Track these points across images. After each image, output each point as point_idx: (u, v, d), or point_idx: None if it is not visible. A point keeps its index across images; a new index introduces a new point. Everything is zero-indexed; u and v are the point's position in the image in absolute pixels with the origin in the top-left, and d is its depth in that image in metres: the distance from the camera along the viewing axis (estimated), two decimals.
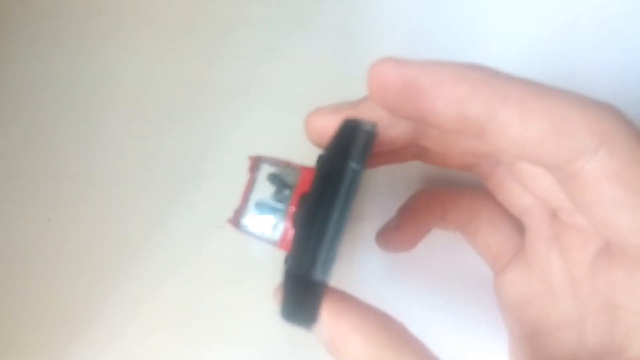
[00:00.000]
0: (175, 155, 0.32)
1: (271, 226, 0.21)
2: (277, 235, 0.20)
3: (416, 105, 0.17)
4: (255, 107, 0.32)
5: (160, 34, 0.33)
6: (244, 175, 0.32)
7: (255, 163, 0.21)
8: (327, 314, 0.18)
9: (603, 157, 0.16)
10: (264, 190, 0.21)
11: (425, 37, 0.31)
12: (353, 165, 0.16)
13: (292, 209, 0.20)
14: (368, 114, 0.20)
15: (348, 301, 0.18)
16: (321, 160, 0.19)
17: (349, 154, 0.17)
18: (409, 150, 0.23)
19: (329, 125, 0.20)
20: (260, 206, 0.21)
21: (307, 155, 0.31)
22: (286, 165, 0.21)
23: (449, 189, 0.27)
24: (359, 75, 0.32)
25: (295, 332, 0.31)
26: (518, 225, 0.25)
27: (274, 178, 0.21)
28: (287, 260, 0.19)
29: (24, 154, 0.33)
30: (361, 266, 0.31)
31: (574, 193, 0.18)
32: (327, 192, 0.16)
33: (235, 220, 0.21)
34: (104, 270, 0.32)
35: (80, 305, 0.31)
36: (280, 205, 0.21)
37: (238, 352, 0.31)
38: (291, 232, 0.20)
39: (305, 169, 0.21)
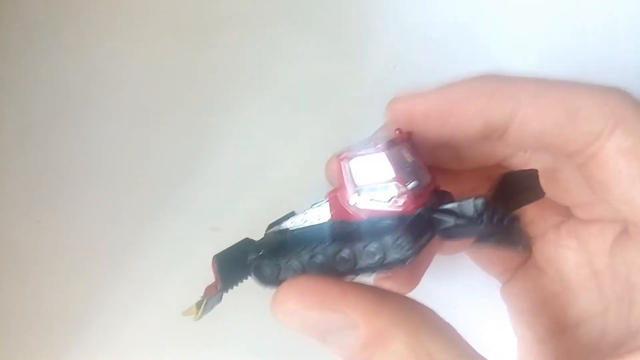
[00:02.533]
0: (169, 157, 0.32)
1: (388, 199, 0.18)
2: (400, 202, 0.18)
3: (443, 127, 0.19)
4: (254, 105, 0.32)
5: (157, 32, 0.33)
6: (241, 177, 0.32)
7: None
8: (360, 313, 0.16)
9: (619, 136, 0.18)
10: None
11: (426, 36, 0.31)
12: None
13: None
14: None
15: (378, 293, 0.17)
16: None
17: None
18: None
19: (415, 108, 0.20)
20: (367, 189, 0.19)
21: (308, 155, 0.31)
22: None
23: None
24: (358, 72, 0.32)
25: (293, 335, 0.31)
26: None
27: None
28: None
29: (13, 156, 0.32)
30: None
31: (592, 174, 0.19)
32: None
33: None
34: (94, 272, 0.31)
35: (70, 308, 0.31)
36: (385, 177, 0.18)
37: (233, 355, 0.30)
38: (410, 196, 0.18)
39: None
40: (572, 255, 0.22)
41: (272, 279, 0.19)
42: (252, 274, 0.20)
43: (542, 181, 0.19)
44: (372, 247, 0.17)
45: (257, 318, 0.30)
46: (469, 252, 0.26)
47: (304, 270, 0.18)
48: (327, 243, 0.18)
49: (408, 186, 0.17)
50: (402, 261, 0.16)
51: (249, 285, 0.31)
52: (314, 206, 0.19)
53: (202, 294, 0.20)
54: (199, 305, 0.20)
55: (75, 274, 0.31)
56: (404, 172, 0.18)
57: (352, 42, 0.31)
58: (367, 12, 0.32)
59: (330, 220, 0.19)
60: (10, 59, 0.33)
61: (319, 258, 0.18)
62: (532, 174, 0.19)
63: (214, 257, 0.20)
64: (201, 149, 0.32)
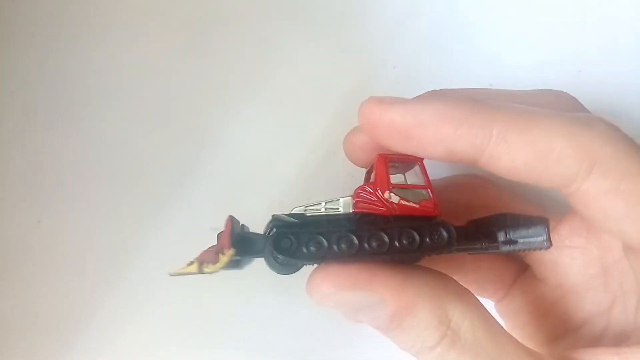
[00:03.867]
0: (169, 157, 0.32)
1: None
2: (429, 205, 0.20)
3: (405, 142, 0.19)
4: (254, 105, 0.32)
5: (157, 32, 0.33)
6: (240, 177, 0.32)
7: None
8: (388, 290, 0.18)
9: (597, 178, 0.17)
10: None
11: (425, 36, 0.31)
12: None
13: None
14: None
15: (403, 271, 0.18)
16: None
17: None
18: None
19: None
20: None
21: (308, 155, 0.31)
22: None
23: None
24: (358, 73, 0.32)
25: (293, 335, 0.31)
26: (506, 256, 0.25)
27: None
28: None
29: (13, 155, 0.32)
30: None
31: (578, 209, 0.18)
32: None
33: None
34: (95, 272, 0.31)
35: (71, 307, 0.31)
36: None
37: (234, 355, 0.30)
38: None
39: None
40: (579, 255, 0.22)
41: (290, 252, 0.19)
42: (269, 245, 0.20)
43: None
44: (409, 233, 0.19)
45: (257, 317, 0.31)
46: (459, 276, 0.26)
47: (328, 248, 0.19)
48: (356, 227, 0.19)
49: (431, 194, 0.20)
50: (442, 250, 0.19)
51: (249, 284, 0.31)
52: (328, 202, 0.21)
53: (196, 256, 0.20)
54: (194, 265, 0.20)
55: (76, 273, 0.31)
56: (430, 181, 0.20)
57: (351, 43, 0.31)
58: (366, 13, 0.32)
59: (353, 212, 0.20)
60: (11, 58, 0.33)
61: (349, 239, 0.19)
62: (542, 223, 0.20)
63: (229, 216, 0.20)
64: (201, 149, 0.32)
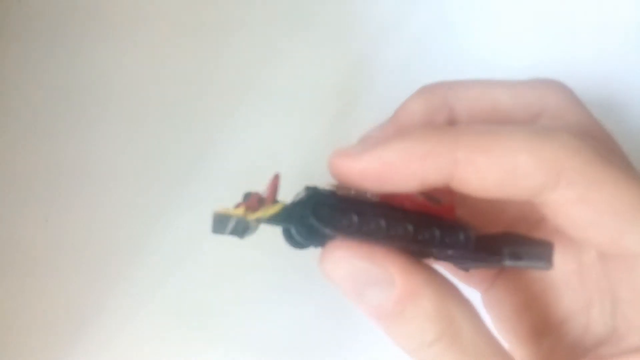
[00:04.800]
0: (172, 157, 0.32)
1: None
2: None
3: (382, 186, 0.19)
4: (255, 107, 0.32)
5: (159, 34, 0.33)
6: (241, 176, 0.32)
7: None
8: (398, 270, 0.18)
9: (564, 188, 0.17)
10: None
11: (424, 39, 0.32)
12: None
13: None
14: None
15: (417, 263, 0.19)
16: None
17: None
18: None
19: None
20: None
21: (308, 156, 0.31)
22: None
23: None
24: (357, 74, 0.33)
25: (295, 334, 0.31)
26: None
27: None
28: None
29: (21, 154, 0.33)
30: None
31: (549, 218, 0.19)
32: None
33: None
34: (101, 270, 0.31)
35: (77, 306, 0.31)
36: None
37: (235, 355, 0.31)
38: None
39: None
40: (557, 249, 0.22)
41: (328, 221, 0.19)
42: (309, 207, 0.19)
43: None
44: (431, 229, 0.19)
45: (258, 317, 0.31)
46: (446, 265, 0.26)
47: (363, 225, 0.19)
48: (386, 213, 0.19)
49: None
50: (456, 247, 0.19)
51: (249, 285, 0.31)
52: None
53: (239, 202, 0.19)
54: (241, 209, 0.19)
55: (83, 271, 0.32)
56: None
57: (351, 46, 0.32)
58: (366, 15, 0.32)
59: (379, 200, 0.20)
60: (18, 58, 0.33)
61: (380, 221, 0.19)
62: (547, 245, 0.20)
63: (277, 173, 0.20)
64: (204, 150, 0.32)
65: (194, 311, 0.31)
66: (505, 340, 0.24)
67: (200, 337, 0.31)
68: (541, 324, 0.23)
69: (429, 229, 0.19)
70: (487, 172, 0.18)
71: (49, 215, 0.32)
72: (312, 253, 0.20)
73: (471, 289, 0.25)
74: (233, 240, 0.31)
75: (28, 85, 0.33)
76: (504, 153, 0.18)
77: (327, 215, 0.19)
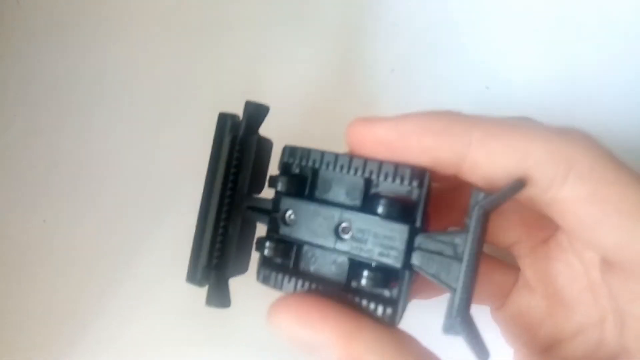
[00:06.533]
0: (170, 158, 0.32)
1: None
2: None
3: (393, 156, 0.19)
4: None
5: (158, 34, 0.33)
6: None
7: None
8: (337, 336, 0.17)
9: (573, 183, 0.17)
10: None
11: (424, 40, 0.32)
12: None
13: None
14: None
15: (359, 320, 0.18)
16: None
17: None
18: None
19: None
20: None
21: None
22: None
23: None
24: (357, 76, 0.33)
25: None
26: (504, 265, 0.25)
27: None
28: None
29: (20, 155, 0.33)
30: None
31: (556, 217, 0.19)
32: None
33: None
34: (100, 271, 0.31)
35: (76, 306, 0.31)
36: None
37: (235, 354, 0.31)
38: None
39: None
40: (565, 269, 0.22)
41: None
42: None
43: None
44: None
45: (259, 317, 0.31)
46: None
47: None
48: None
49: None
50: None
51: (249, 284, 0.31)
52: None
53: None
54: None
55: (81, 272, 0.31)
56: None
57: (351, 47, 0.32)
58: (366, 16, 0.32)
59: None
60: (18, 59, 0.33)
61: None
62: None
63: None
64: (204, 150, 0.32)
65: (194, 311, 0.31)
66: (516, 352, 0.24)
67: (200, 337, 0.31)
68: (554, 339, 0.22)
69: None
70: (499, 156, 0.18)
71: (47, 216, 0.32)
72: None
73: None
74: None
75: (26, 88, 0.33)
76: (518, 140, 0.18)
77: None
